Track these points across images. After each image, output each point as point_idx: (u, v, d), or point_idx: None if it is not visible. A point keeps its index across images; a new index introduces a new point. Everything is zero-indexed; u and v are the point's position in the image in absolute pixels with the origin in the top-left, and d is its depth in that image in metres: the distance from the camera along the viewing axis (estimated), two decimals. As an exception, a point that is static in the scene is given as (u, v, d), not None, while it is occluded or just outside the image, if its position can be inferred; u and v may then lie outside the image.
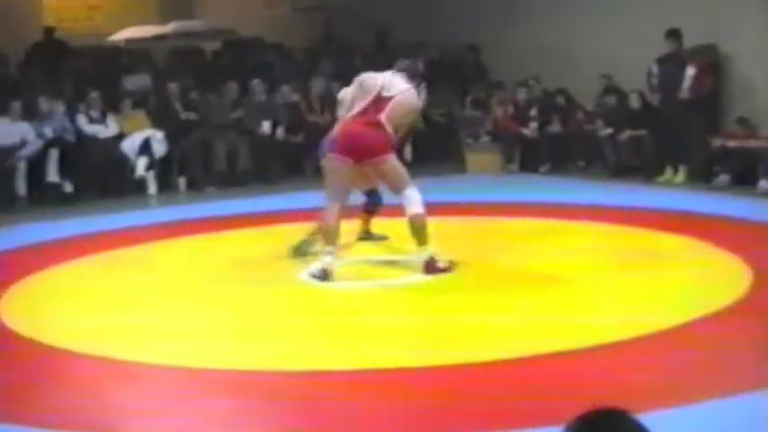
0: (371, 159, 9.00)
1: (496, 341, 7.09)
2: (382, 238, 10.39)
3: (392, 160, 9.07)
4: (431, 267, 8.96)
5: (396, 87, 9.09)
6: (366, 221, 10.48)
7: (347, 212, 9.38)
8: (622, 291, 8.38)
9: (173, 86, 16.53)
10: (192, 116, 16.28)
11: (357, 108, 9.07)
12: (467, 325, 7.57)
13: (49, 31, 19.34)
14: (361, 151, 8.94)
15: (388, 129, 9.02)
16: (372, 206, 10.39)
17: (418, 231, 8.95)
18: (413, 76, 9.31)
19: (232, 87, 16.79)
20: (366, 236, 10.48)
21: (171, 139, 15.67)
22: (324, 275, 8.89)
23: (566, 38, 16.49)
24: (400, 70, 9.30)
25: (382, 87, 9.08)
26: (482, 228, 10.95)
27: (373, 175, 9.43)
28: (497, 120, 16.46)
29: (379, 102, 9.03)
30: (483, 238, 10.47)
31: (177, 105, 16.34)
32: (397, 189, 9.04)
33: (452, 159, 16.48)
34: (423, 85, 9.53)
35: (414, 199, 8.92)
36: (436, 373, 6.54)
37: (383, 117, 8.97)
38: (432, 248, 8.99)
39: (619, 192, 13.57)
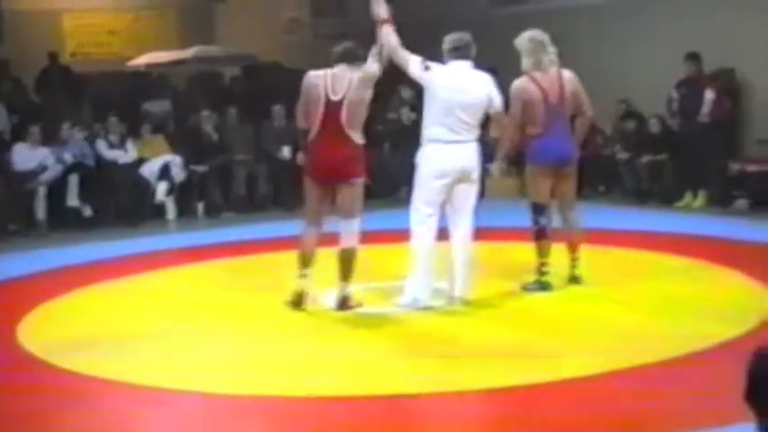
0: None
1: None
2: None
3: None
4: (343, 304, 8.77)
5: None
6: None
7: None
8: (638, 316, 8.37)
9: (206, 114, 16.49)
10: (216, 140, 16.27)
11: None
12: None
13: (53, 56, 19.37)
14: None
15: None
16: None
17: (348, 265, 8.73)
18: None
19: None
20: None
21: (195, 162, 15.72)
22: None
23: (583, 62, 16.47)
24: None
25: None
26: (497, 253, 10.82)
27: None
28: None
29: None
30: (499, 264, 10.35)
31: (210, 131, 16.28)
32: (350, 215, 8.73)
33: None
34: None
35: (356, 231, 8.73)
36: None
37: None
38: (351, 287, 8.84)
39: (638, 216, 13.57)
